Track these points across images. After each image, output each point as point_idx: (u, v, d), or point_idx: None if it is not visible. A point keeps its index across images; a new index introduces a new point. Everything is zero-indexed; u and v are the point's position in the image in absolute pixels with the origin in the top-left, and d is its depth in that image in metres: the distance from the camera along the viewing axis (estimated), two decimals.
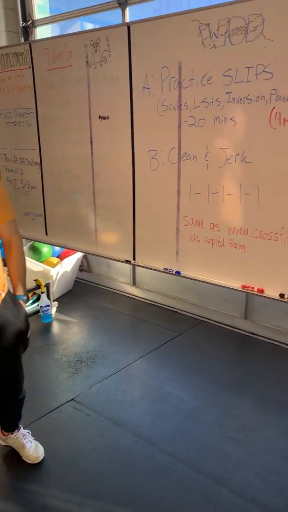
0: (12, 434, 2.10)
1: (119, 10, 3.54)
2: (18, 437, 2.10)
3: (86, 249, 2.87)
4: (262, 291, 2.09)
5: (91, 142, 2.61)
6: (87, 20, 3.90)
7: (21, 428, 2.14)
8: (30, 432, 2.16)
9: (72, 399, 2.53)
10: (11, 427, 2.10)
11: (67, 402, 2.50)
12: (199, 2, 3.34)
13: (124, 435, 2.25)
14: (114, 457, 2.11)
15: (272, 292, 2.07)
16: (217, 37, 1.97)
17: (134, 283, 4.05)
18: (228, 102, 1.99)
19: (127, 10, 3.52)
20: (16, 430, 2.11)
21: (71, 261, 3.99)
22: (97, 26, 3.90)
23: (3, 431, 2.13)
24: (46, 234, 3.08)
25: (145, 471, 2.02)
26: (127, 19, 3.50)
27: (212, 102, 2.04)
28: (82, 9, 3.75)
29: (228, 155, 2.06)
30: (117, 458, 2.10)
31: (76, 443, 2.19)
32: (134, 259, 2.60)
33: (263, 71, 1.87)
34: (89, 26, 3.95)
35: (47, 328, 3.44)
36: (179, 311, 3.69)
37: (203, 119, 2.10)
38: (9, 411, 2.07)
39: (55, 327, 3.46)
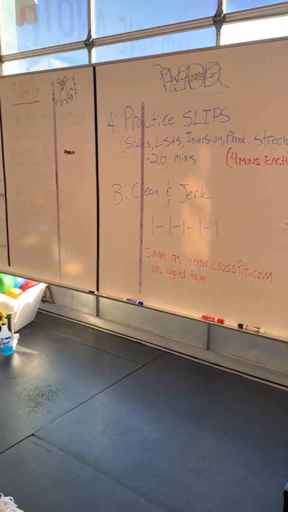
0: None
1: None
2: None
3: (49, 280, 2.87)
4: (222, 321, 2.16)
5: (57, 175, 2.66)
6: (54, 57, 4.03)
7: (2, 495, 1.91)
8: (12, 499, 1.92)
9: (32, 434, 2.46)
10: None
11: (27, 437, 2.44)
12: (162, 46, 3.54)
13: (85, 470, 2.21)
14: (75, 493, 2.06)
15: (231, 322, 2.13)
16: (177, 81, 2.10)
17: (97, 314, 4.04)
18: (188, 141, 2.11)
19: (93, 50, 3.67)
20: None
21: (34, 292, 3.95)
22: (64, 63, 4.04)
23: None
24: (9, 264, 3.06)
25: (106, 507, 1.98)
26: (93, 59, 3.64)
27: (173, 141, 2.15)
28: (50, 47, 3.88)
29: (188, 191, 2.16)
30: (78, 494, 2.05)
31: (36, 480, 2.13)
32: (97, 290, 2.62)
33: (220, 114, 2.00)
34: (55, 62, 4.07)
35: (7, 361, 3.36)
36: (142, 342, 3.70)
37: (165, 156, 2.20)
38: None
39: (16, 360, 3.39)
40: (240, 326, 2.09)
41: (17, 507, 1.90)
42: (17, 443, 2.39)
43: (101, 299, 3.99)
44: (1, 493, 1.90)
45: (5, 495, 1.92)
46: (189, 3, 3.32)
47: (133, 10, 3.63)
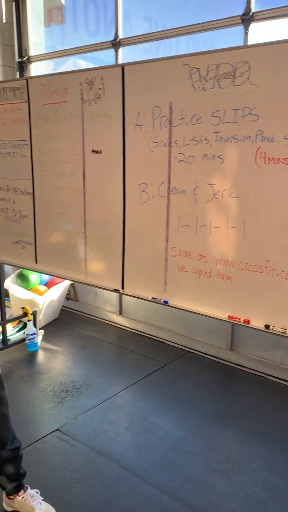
0: (18, 496, 1.89)
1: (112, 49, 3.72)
2: (26, 499, 1.88)
3: (75, 278, 2.90)
4: (248, 322, 2.14)
5: (84, 174, 2.69)
6: (80, 57, 4.07)
7: (28, 488, 1.93)
8: (39, 492, 1.95)
9: (57, 429, 2.50)
10: (16, 488, 1.89)
11: (52, 432, 2.48)
12: (187, 45, 3.54)
13: (109, 466, 2.23)
14: (99, 489, 2.08)
15: (257, 323, 2.11)
16: (206, 81, 2.09)
17: (120, 312, 4.07)
18: (216, 141, 2.10)
19: (120, 50, 3.69)
20: (22, 491, 1.90)
21: (59, 290, 4.00)
22: (90, 63, 4.08)
23: (7, 494, 1.91)
24: (36, 262, 3.10)
25: (129, 504, 2.00)
26: (120, 58, 3.66)
27: (201, 141, 2.15)
28: (77, 48, 3.92)
29: (215, 190, 2.15)
30: (102, 490, 2.08)
31: (60, 474, 2.17)
32: (122, 288, 2.64)
33: (249, 113, 1.98)
34: (82, 62, 4.12)
35: (32, 356, 3.42)
36: (165, 341, 3.71)
37: (192, 156, 2.19)
38: (4, 468, 1.85)
39: (41, 356, 3.44)
40: (267, 327, 2.07)
41: (43, 499, 1.93)
42: (43, 437, 2.43)
43: (124, 298, 4.01)
44: (27, 486, 1.94)
45: (32, 488, 1.96)
46: (212, 2, 3.30)
47: (157, 10, 3.64)
